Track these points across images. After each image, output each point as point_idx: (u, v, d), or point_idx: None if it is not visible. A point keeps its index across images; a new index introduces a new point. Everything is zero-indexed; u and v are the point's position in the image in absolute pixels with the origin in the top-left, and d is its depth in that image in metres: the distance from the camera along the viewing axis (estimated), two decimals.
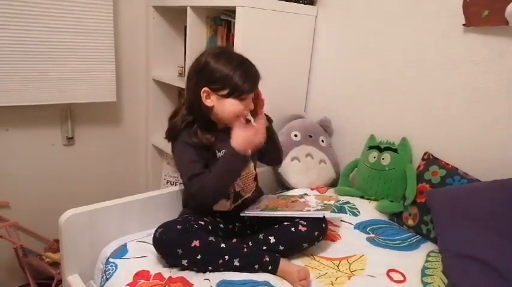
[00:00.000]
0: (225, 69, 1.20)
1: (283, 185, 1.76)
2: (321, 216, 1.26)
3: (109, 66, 1.99)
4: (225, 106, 1.23)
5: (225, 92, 1.21)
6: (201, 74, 1.24)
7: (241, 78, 1.19)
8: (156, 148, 2.38)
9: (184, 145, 1.26)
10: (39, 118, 1.99)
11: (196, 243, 1.11)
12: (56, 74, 1.86)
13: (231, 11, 1.79)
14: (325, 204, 1.31)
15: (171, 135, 1.32)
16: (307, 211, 1.26)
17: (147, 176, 2.47)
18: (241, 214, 1.33)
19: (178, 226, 1.14)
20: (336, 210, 1.52)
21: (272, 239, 1.22)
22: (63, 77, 1.88)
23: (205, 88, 1.22)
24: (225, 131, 1.29)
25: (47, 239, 2.05)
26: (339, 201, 1.57)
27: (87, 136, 2.17)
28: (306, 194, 1.56)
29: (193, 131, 1.25)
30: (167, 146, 2.26)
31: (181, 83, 2.01)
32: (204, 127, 1.26)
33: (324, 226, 1.27)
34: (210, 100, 1.24)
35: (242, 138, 1.20)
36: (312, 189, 1.71)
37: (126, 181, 2.40)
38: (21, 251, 1.90)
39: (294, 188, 1.72)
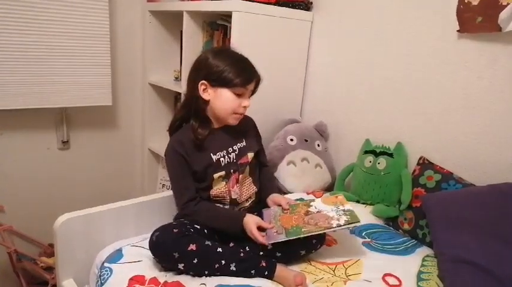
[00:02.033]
0: (222, 63, 1.23)
1: (279, 190, 1.76)
2: (357, 224, 1.20)
3: (105, 71, 1.99)
4: (221, 100, 1.25)
5: (220, 84, 1.23)
6: (200, 69, 1.27)
7: (236, 72, 1.22)
8: (152, 152, 2.37)
9: (174, 154, 1.28)
10: (34, 122, 1.98)
11: (193, 247, 1.11)
12: (51, 78, 1.86)
13: (227, 16, 1.79)
14: (344, 210, 1.23)
15: (170, 131, 1.37)
16: (338, 225, 1.17)
17: (143, 180, 2.46)
18: (270, 243, 1.21)
19: (174, 230, 1.14)
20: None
21: (269, 245, 1.21)
22: (58, 80, 1.88)
23: (203, 81, 1.25)
24: (221, 130, 1.32)
25: (41, 243, 2.04)
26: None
27: (83, 140, 2.16)
28: (308, 200, 1.51)
29: (190, 126, 1.28)
30: (163, 151, 2.25)
31: (178, 88, 2.01)
32: (199, 124, 1.28)
33: (322, 234, 1.25)
34: (207, 93, 1.26)
35: (250, 231, 1.20)
36: (308, 193, 1.71)
37: (122, 185, 2.39)
38: (15, 256, 1.89)
39: (289, 192, 1.72)
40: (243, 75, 1.23)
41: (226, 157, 1.32)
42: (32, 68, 1.80)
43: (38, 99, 1.86)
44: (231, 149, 1.33)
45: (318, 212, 1.26)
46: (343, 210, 1.24)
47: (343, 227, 1.18)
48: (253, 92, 1.32)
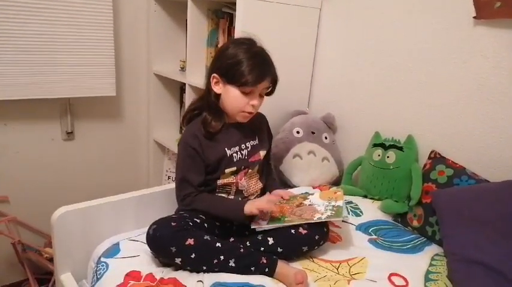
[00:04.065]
0: (237, 56, 1.18)
1: (284, 184, 1.71)
2: (339, 219, 1.23)
3: (108, 60, 1.95)
4: (229, 97, 1.22)
5: (228, 79, 1.20)
6: (216, 59, 1.24)
7: (248, 69, 1.16)
8: (158, 143, 2.34)
9: (186, 149, 1.24)
10: (38, 112, 1.96)
11: (190, 241, 1.07)
12: (54, 68, 1.83)
13: (232, 3, 1.74)
14: (334, 206, 1.23)
15: (184, 119, 1.35)
16: (318, 218, 1.19)
17: (148, 172, 2.44)
18: (252, 226, 1.23)
19: (172, 223, 1.10)
20: (347, 215, 1.44)
21: (271, 241, 1.17)
22: (61, 70, 1.85)
23: (215, 74, 1.22)
24: (235, 125, 1.29)
25: (46, 234, 2.04)
26: (349, 204, 1.51)
27: (88, 131, 2.14)
28: (308, 193, 1.51)
29: (203, 119, 1.25)
30: (169, 142, 2.25)
31: (183, 78, 1.97)
32: (212, 117, 1.25)
33: (325, 230, 1.21)
34: (218, 87, 1.23)
35: (256, 206, 1.18)
36: (314, 187, 1.66)
37: (127, 177, 2.37)
38: (20, 247, 1.89)
39: (295, 186, 1.67)
40: (254, 72, 1.17)
41: (239, 152, 1.29)
42: (34, 58, 1.77)
43: (41, 90, 1.83)
44: (243, 145, 1.30)
45: (309, 205, 1.28)
46: (333, 205, 1.24)
47: (323, 220, 1.19)
48: (271, 92, 1.28)
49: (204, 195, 1.26)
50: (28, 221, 2.00)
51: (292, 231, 1.17)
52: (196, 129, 1.25)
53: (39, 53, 1.78)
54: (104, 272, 1.09)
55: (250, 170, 1.32)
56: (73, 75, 1.88)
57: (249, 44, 1.23)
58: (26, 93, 1.80)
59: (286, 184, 1.70)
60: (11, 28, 1.69)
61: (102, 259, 1.15)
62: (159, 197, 1.41)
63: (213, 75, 1.22)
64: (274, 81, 1.25)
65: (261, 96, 1.25)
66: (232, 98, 1.21)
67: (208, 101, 1.27)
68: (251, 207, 1.17)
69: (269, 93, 1.29)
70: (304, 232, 1.17)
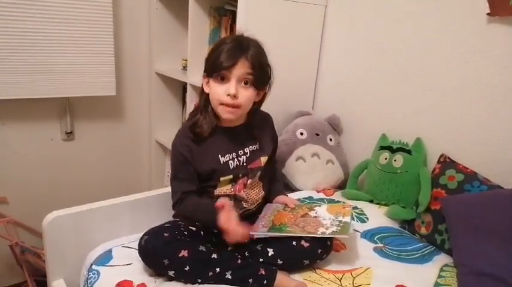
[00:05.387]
0: (215, 47, 1.14)
1: (287, 187, 1.65)
2: (345, 236, 1.15)
3: (108, 59, 1.90)
4: (211, 90, 1.15)
5: (209, 72, 1.15)
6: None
7: (221, 53, 1.10)
8: (160, 143, 2.30)
9: (176, 153, 1.20)
10: (37, 112, 1.93)
11: (184, 253, 1.01)
12: (52, 67, 1.79)
13: (235, 0, 1.68)
14: (340, 222, 1.16)
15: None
16: (322, 233, 1.11)
17: (150, 173, 2.39)
18: (251, 233, 1.15)
19: (165, 234, 1.05)
20: (353, 232, 1.30)
21: (271, 252, 1.11)
22: (60, 69, 1.80)
23: (204, 73, 1.18)
24: (232, 130, 1.22)
25: None
26: (354, 209, 1.44)
27: (88, 131, 2.10)
28: (315, 203, 1.44)
29: (192, 122, 1.19)
30: (171, 142, 2.18)
31: (185, 77, 1.92)
32: (204, 119, 1.18)
33: (329, 243, 1.14)
34: (208, 86, 1.18)
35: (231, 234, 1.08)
36: (318, 191, 1.60)
37: (129, 178, 2.33)
38: (18, 249, 1.85)
39: (298, 190, 1.61)
40: (226, 54, 1.09)
41: (235, 159, 1.21)
42: (33, 57, 1.73)
43: (40, 89, 1.79)
44: (241, 151, 1.23)
45: (315, 217, 1.20)
46: (340, 221, 1.16)
47: (326, 236, 1.12)
48: (261, 81, 1.16)
49: (190, 200, 1.18)
50: (26, 222, 1.97)
51: (294, 243, 1.11)
52: (184, 134, 1.19)
53: (37, 52, 1.74)
54: (95, 280, 1.05)
55: (250, 180, 1.24)
56: (72, 74, 1.84)
57: (233, 35, 1.19)
58: (25, 93, 1.77)
59: (289, 188, 1.64)
60: (9, 26, 1.65)
61: (94, 267, 1.10)
62: (155, 201, 1.35)
63: (203, 75, 1.18)
64: (255, 67, 1.11)
65: (245, 87, 1.12)
66: (211, 90, 1.14)
67: (200, 104, 1.21)
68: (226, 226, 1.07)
69: (260, 85, 1.16)
70: (306, 245, 1.10)
